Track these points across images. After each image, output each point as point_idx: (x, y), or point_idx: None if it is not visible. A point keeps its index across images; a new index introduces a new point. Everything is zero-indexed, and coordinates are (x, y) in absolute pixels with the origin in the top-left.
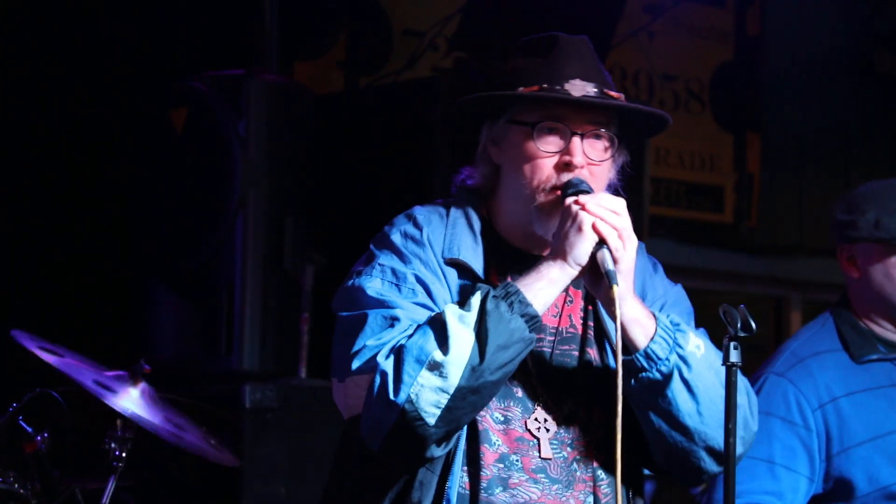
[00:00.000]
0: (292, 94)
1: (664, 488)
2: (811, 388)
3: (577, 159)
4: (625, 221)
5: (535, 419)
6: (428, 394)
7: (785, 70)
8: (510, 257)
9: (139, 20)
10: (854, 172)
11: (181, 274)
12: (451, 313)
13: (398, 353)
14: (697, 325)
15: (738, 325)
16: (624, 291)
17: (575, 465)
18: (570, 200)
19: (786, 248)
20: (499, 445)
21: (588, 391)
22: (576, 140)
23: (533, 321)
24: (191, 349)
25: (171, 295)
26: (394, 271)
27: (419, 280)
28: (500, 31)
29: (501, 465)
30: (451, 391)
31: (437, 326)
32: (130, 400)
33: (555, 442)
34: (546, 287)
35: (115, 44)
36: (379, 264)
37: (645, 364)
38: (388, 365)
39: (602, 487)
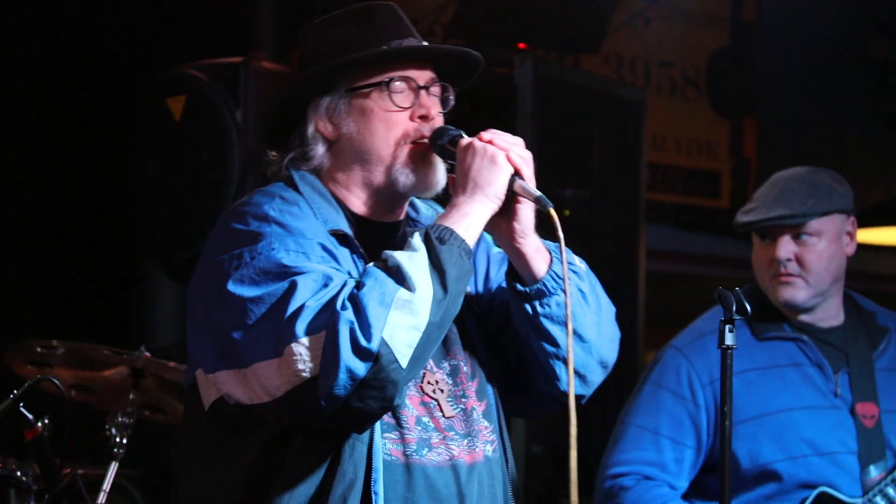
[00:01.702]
0: (287, 83)
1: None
2: (704, 365)
3: (433, 111)
4: (525, 152)
5: (428, 382)
6: (401, 333)
7: (781, 56)
8: (360, 226)
9: (135, 8)
10: (850, 157)
11: (180, 262)
12: (400, 256)
13: (355, 301)
14: (696, 313)
15: (734, 308)
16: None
17: (472, 415)
18: (468, 140)
19: None
20: (412, 409)
21: (461, 334)
22: (423, 93)
23: (470, 255)
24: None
25: (170, 283)
26: (296, 241)
27: (324, 248)
28: (496, 18)
29: (420, 428)
30: (423, 327)
31: (389, 270)
32: None
33: (451, 399)
34: (472, 223)
35: (112, 31)
36: (275, 239)
37: (552, 287)
38: (348, 315)
39: (493, 433)
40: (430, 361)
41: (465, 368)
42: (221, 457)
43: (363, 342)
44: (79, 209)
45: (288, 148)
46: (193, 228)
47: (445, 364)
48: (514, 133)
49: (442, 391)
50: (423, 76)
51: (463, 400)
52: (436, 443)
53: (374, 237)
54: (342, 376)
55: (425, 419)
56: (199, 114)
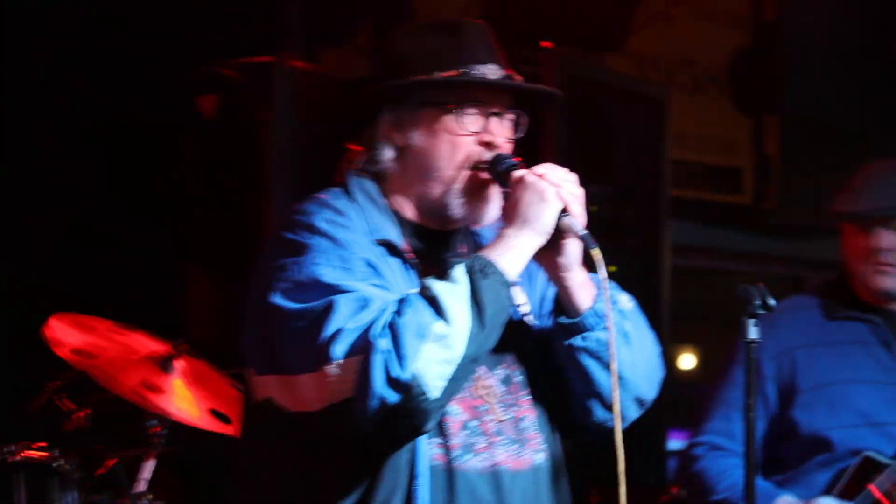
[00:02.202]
0: (318, 80)
1: None
2: (771, 339)
3: (499, 138)
4: (577, 189)
5: (481, 386)
6: (434, 366)
7: (803, 54)
8: (416, 234)
9: (166, 7)
10: (871, 154)
11: (215, 257)
12: (440, 287)
13: (393, 330)
14: (720, 308)
15: (757, 303)
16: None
17: (522, 423)
18: (521, 173)
19: (803, 229)
20: (459, 413)
21: (516, 348)
22: (494, 120)
23: (509, 288)
24: (225, 329)
25: (206, 277)
26: (340, 256)
27: (368, 263)
28: (521, 16)
29: (466, 433)
30: (457, 361)
31: (428, 301)
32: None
33: (501, 405)
34: (516, 257)
35: (145, 31)
36: (319, 252)
37: (593, 322)
38: (384, 343)
39: (542, 442)
40: (483, 367)
41: (517, 379)
42: (270, 453)
43: (395, 373)
44: (118, 205)
45: (343, 147)
46: (226, 225)
47: (499, 371)
48: (539, 130)
49: (493, 396)
50: (497, 102)
51: (514, 408)
52: (480, 448)
53: (429, 245)
54: (373, 403)
55: (473, 423)
56: (231, 112)
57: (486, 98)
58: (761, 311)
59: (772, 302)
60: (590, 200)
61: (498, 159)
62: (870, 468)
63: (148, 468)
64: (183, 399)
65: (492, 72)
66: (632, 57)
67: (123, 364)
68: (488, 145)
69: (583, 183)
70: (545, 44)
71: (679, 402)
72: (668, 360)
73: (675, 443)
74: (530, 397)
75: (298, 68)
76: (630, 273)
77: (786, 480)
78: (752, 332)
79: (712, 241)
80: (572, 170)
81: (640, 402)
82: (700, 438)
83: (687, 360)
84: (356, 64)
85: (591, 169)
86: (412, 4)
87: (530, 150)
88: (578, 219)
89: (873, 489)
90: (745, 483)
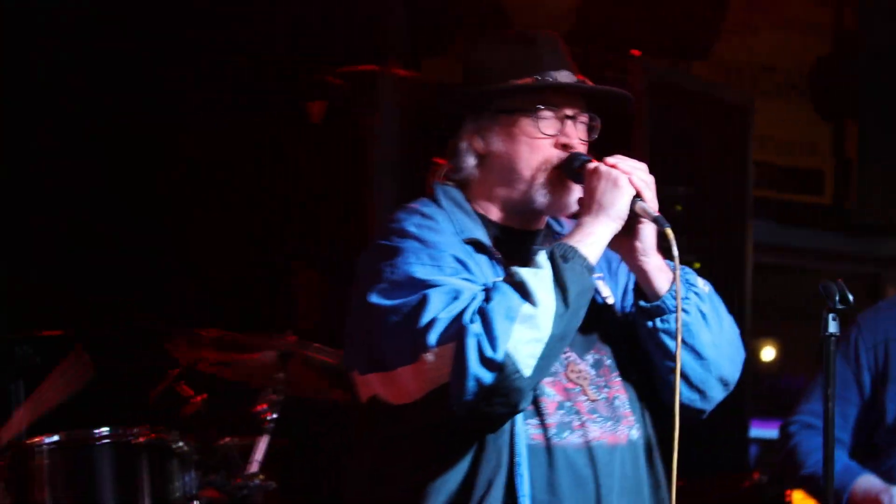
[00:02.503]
0: (420, 88)
1: None
2: (870, 330)
3: (575, 140)
4: (648, 176)
5: (572, 370)
6: (524, 345)
7: (880, 61)
8: (502, 234)
9: (277, 18)
10: None
11: (320, 256)
12: (525, 272)
13: (483, 314)
14: (800, 304)
15: (837, 298)
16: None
17: (616, 402)
18: (594, 164)
19: (881, 228)
20: (554, 395)
21: (604, 335)
22: (569, 123)
23: (591, 272)
24: (329, 321)
25: (314, 274)
26: (430, 255)
27: (457, 259)
28: (613, 27)
29: (562, 412)
30: (546, 340)
31: (514, 286)
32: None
33: (594, 386)
34: (595, 242)
35: (256, 39)
36: (411, 253)
37: (672, 305)
38: (476, 328)
39: (635, 420)
40: (574, 353)
41: (607, 362)
42: (380, 446)
43: (489, 353)
44: (233, 208)
45: (429, 155)
46: (331, 226)
47: (589, 357)
48: (628, 134)
49: (585, 378)
50: (570, 107)
51: (606, 389)
52: (576, 426)
53: (514, 244)
54: (470, 384)
55: (568, 404)
56: (338, 118)
57: (560, 102)
58: (840, 307)
59: (850, 298)
60: (676, 201)
61: (571, 158)
62: None
63: (260, 450)
64: (298, 380)
65: (564, 77)
66: (718, 65)
67: (250, 361)
68: (564, 147)
69: (670, 184)
70: (634, 52)
71: (761, 392)
72: (750, 352)
73: (757, 431)
74: (621, 379)
75: (401, 76)
76: (714, 270)
77: (880, 471)
78: (832, 327)
79: (793, 240)
80: (660, 172)
81: (724, 382)
82: (795, 418)
83: (768, 353)
84: (455, 72)
85: (677, 172)
86: (508, 14)
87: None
88: (651, 203)
89: None
90: (824, 460)
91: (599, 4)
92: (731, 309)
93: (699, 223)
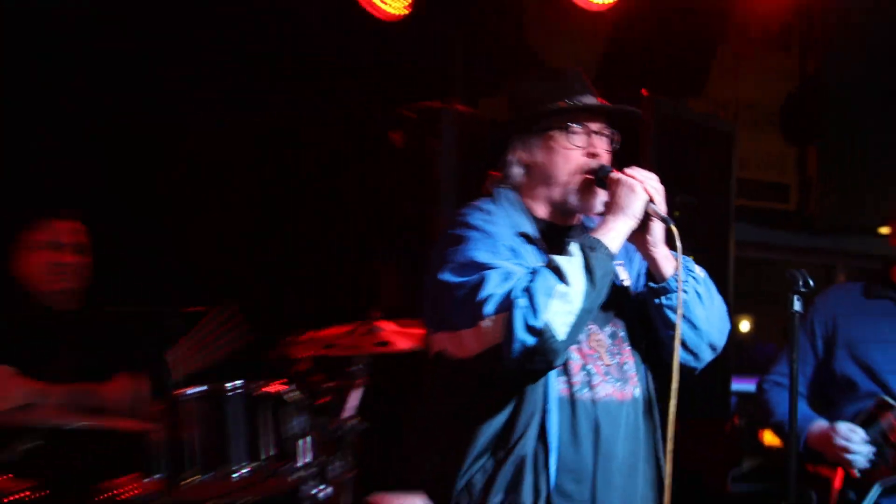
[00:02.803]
0: (475, 121)
1: None
2: (823, 308)
3: (600, 149)
4: (659, 185)
5: (593, 339)
6: (560, 316)
7: (836, 101)
8: (546, 228)
9: (366, 62)
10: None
11: (399, 251)
12: (560, 259)
13: (528, 292)
14: (770, 288)
15: (800, 283)
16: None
17: (625, 366)
18: (617, 174)
19: (834, 230)
20: (578, 359)
21: (619, 312)
22: (594, 136)
23: (612, 259)
24: (405, 302)
25: (393, 271)
26: (489, 244)
27: (510, 248)
28: (629, 71)
29: (584, 373)
30: (577, 312)
31: (552, 270)
32: None
33: (609, 353)
34: (616, 236)
35: (349, 78)
36: (473, 241)
37: (674, 286)
38: (522, 302)
39: (639, 381)
40: (596, 325)
41: (621, 334)
42: (444, 392)
43: (532, 322)
44: (327, 217)
45: (480, 173)
46: (406, 228)
47: (607, 328)
48: (639, 154)
49: (602, 347)
50: (595, 123)
51: (618, 355)
52: (595, 384)
53: (554, 236)
54: (517, 346)
55: (589, 366)
56: (413, 143)
57: (586, 120)
58: (803, 290)
59: (811, 283)
60: (676, 207)
61: (599, 168)
62: (883, 406)
63: (354, 398)
64: (392, 342)
65: (588, 100)
66: (708, 101)
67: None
68: (592, 155)
69: (672, 194)
70: (644, 91)
71: (739, 355)
72: (733, 325)
73: (736, 385)
74: (630, 347)
75: (460, 111)
76: (704, 262)
77: (830, 416)
78: (796, 306)
79: (766, 238)
80: (663, 184)
81: (712, 347)
82: (768, 377)
83: (744, 325)
84: (504, 108)
85: (677, 184)
86: (546, 62)
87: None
88: (660, 206)
89: (883, 422)
90: (790, 409)
91: (617, 56)
92: (718, 292)
93: (693, 225)
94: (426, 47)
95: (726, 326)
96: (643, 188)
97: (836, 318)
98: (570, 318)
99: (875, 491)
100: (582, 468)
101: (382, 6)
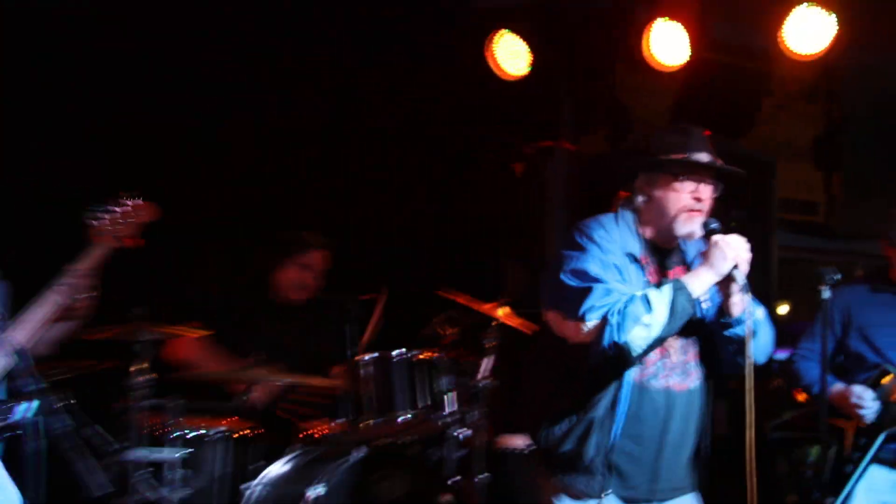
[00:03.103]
0: (577, 156)
1: None
2: (839, 299)
3: (704, 197)
4: (747, 254)
5: (669, 343)
6: (638, 340)
7: (854, 140)
8: (650, 248)
9: (498, 110)
10: None
11: (522, 255)
12: (653, 292)
13: (622, 314)
14: (804, 281)
15: (828, 278)
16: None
17: (688, 365)
18: (717, 237)
19: (853, 238)
20: (654, 355)
21: (688, 325)
22: (702, 185)
23: (692, 302)
24: (527, 296)
25: (516, 268)
26: (601, 260)
27: (616, 267)
28: (695, 118)
29: (656, 366)
30: (653, 338)
31: (645, 300)
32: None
33: (677, 353)
34: (700, 285)
35: (486, 123)
36: (590, 253)
37: (740, 320)
38: (614, 321)
39: (696, 377)
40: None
41: (688, 342)
42: (546, 364)
43: (616, 339)
44: (462, 229)
45: (584, 199)
46: (527, 236)
47: (680, 336)
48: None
49: (673, 348)
50: (704, 174)
51: (683, 356)
52: (663, 375)
53: (658, 255)
54: (601, 352)
55: (661, 361)
56: (531, 173)
57: (698, 171)
58: (830, 283)
59: (837, 277)
60: (731, 220)
61: (707, 222)
62: (886, 374)
63: (487, 363)
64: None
65: (703, 157)
66: (755, 139)
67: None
68: (696, 200)
69: (728, 210)
70: (706, 132)
71: (779, 332)
72: (773, 308)
73: (777, 355)
74: (693, 352)
75: (566, 148)
76: (753, 262)
77: (846, 381)
78: (826, 294)
79: (800, 243)
80: (720, 202)
81: (765, 356)
82: (797, 351)
83: (783, 309)
84: (601, 146)
85: (732, 203)
86: (629, 108)
87: None
88: (742, 270)
89: (885, 383)
90: (820, 377)
91: (685, 104)
92: (763, 285)
93: (744, 233)
94: (541, 99)
95: (771, 349)
96: (734, 255)
97: (850, 308)
98: (646, 343)
99: (881, 438)
100: (641, 436)
101: (509, 70)
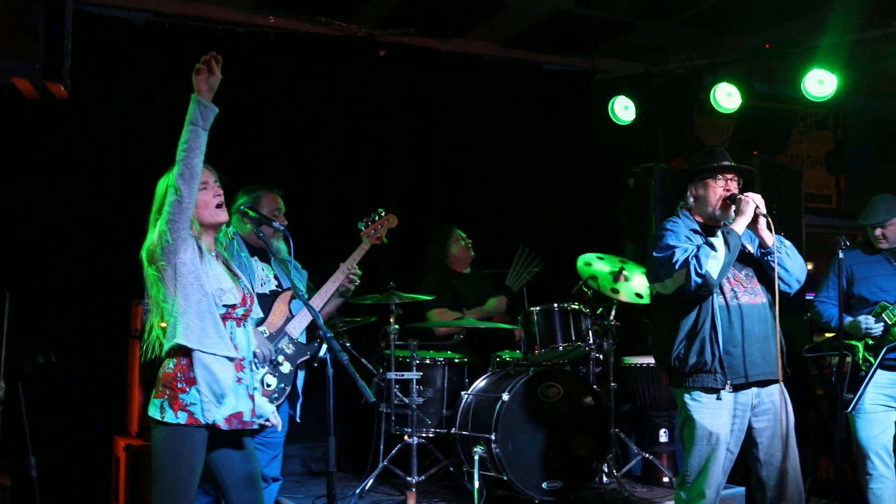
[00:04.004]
0: (672, 173)
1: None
2: (845, 259)
3: (732, 188)
4: (762, 200)
5: (735, 275)
6: (713, 268)
7: (855, 153)
8: (701, 228)
9: (616, 145)
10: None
11: (637, 234)
12: (711, 239)
13: (696, 256)
14: (825, 247)
15: (841, 244)
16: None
17: (755, 287)
18: (739, 196)
19: (856, 216)
20: (727, 285)
21: (745, 260)
22: (730, 181)
23: (738, 238)
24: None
25: (633, 244)
26: (676, 235)
27: (687, 238)
28: (746, 139)
29: (732, 292)
30: (722, 264)
31: (708, 245)
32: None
33: (744, 280)
34: (740, 227)
35: (614, 154)
36: (668, 235)
37: (773, 250)
38: (692, 262)
39: (763, 294)
40: (735, 269)
41: (750, 272)
42: (659, 311)
43: (700, 271)
44: (593, 228)
45: (674, 200)
46: (634, 225)
47: (743, 270)
48: (754, 183)
49: (740, 279)
50: (729, 174)
51: (749, 283)
52: (739, 296)
53: (708, 232)
54: (693, 284)
55: (734, 288)
56: (639, 186)
57: (725, 173)
58: (843, 248)
59: (847, 244)
60: (772, 209)
61: (732, 196)
62: (884, 308)
63: (613, 311)
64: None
65: (726, 163)
66: (787, 155)
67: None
68: (727, 190)
69: (771, 202)
70: (755, 152)
71: (808, 280)
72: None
73: (808, 296)
74: (755, 278)
75: (663, 167)
76: (789, 237)
77: (854, 316)
78: (840, 255)
79: (819, 222)
80: (766, 198)
81: (798, 281)
82: (818, 296)
83: (809, 266)
84: (683, 166)
85: (773, 198)
86: (700, 136)
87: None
88: (762, 209)
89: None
90: (839, 315)
91: (739, 134)
92: (797, 252)
93: (782, 218)
94: (644, 136)
95: (804, 270)
96: (753, 201)
97: (852, 266)
98: (719, 268)
99: (883, 350)
100: (736, 340)
101: (623, 119)
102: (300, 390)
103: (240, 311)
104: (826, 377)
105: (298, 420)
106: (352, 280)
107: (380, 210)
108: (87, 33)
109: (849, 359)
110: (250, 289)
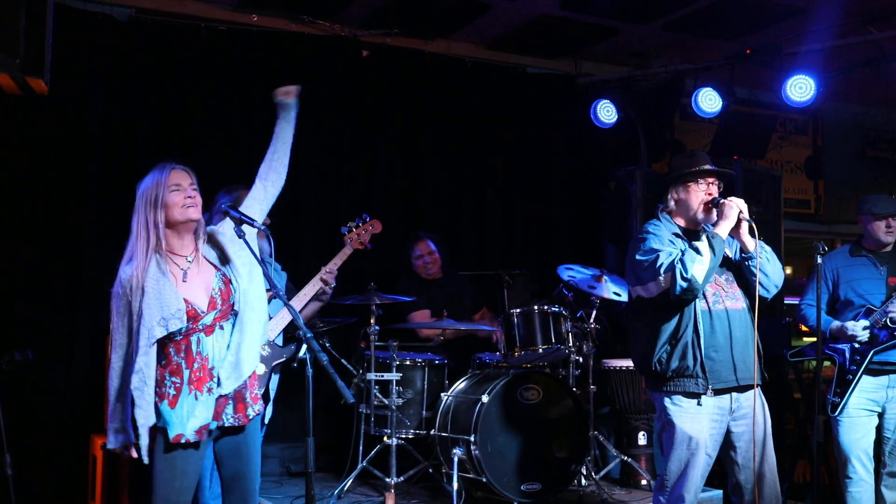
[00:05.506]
0: (653, 176)
1: None
2: (829, 262)
3: (714, 192)
4: (745, 205)
5: (717, 280)
6: (698, 272)
7: (833, 159)
8: (683, 232)
9: (598, 147)
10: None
11: (618, 237)
12: (696, 243)
13: (682, 260)
14: (803, 251)
15: (820, 249)
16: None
17: (735, 292)
18: (724, 200)
19: (835, 222)
20: (709, 289)
21: (727, 267)
22: (711, 184)
23: (723, 243)
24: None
25: (613, 248)
26: (658, 239)
27: (670, 241)
28: (726, 145)
29: (715, 297)
30: (706, 270)
31: (693, 249)
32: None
33: (725, 284)
34: (723, 231)
35: (588, 154)
36: (650, 238)
37: (753, 255)
38: (678, 266)
39: (743, 299)
40: (717, 274)
41: (731, 277)
42: (640, 314)
43: (685, 275)
44: (577, 229)
45: (658, 202)
46: (615, 228)
47: (724, 275)
48: (735, 189)
49: (721, 284)
50: (710, 178)
51: (730, 287)
52: (721, 301)
53: (690, 236)
54: (678, 289)
55: (716, 292)
56: (620, 187)
57: (706, 176)
58: (821, 253)
59: (825, 249)
60: (752, 213)
61: (715, 199)
62: (869, 312)
63: (593, 313)
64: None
65: (707, 165)
66: (767, 161)
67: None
68: (709, 194)
69: (751, 207)
70: (735, 157)
71: (786, 285)
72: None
73: (788, 301)
74: (734, 283)
75: (645, 171)
76: (769, 241)
77: (840, 320)
78: (819, 259)
79: (798, 227)
80: (747, 203)
81: (776, 286)
82: (802, 301)
83: (787, 270)
84: (665, 169)
85: (753, 203)
86: (681, 142)
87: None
88: (745, 215)
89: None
90: (817, 320)
91: (719, 138)
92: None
93: (761, 223)
94: (626, 139)
95: (782, 276)
96: (736, 206)
97: (837, 269)
98: (704, 272)
99: (871, 354)
100: (718, 344)
101: (605, 121)
102: (272, 394)
103: (207, 320)
104: (804, 381)
105: (265, 423)
106: (329, 283)
107: (364, 215)
108: (69, 28)
109: (827, 363)
110: (233, 286)
